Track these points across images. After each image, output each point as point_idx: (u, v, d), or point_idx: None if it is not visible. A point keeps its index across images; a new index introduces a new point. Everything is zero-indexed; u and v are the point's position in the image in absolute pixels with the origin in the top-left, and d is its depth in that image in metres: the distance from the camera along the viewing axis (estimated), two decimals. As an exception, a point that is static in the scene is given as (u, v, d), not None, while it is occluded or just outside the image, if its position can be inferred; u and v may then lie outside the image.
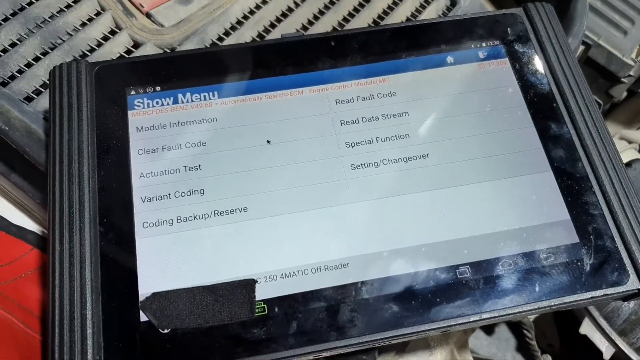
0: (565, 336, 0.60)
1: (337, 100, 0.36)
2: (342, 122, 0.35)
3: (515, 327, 0.60)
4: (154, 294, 0.29)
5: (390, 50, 0.37)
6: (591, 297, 0.31)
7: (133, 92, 0.34)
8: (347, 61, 0.37)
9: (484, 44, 0.38)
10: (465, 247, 0.32)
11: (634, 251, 0.32)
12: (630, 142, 0.75)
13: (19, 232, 0.39)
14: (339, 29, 0.45)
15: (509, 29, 0.39)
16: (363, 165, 0.34)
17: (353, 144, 0.35)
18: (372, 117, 0.35)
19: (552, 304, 0.31)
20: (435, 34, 0.38)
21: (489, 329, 0.62)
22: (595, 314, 0.52)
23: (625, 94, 0.79)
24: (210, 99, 0.35)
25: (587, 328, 0.52)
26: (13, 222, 0.40)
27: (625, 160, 0.56)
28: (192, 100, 0.35)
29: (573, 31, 0.45)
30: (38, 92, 0.39)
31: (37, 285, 0.37)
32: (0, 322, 0.32)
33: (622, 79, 0.62)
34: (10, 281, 0.36)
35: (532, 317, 0.58)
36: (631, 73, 0.62)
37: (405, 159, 0.34)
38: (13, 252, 0.38)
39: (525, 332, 0.53)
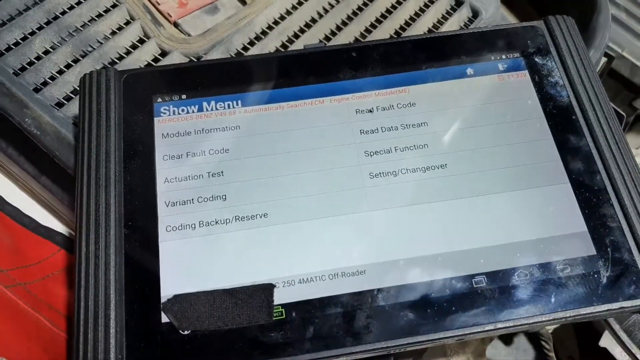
0: (586, 348, 0.60)
1: (358, 110, 0.36)
2: (362, 131, 0.36)
3: (534, 337, 0.59)
4: (176, 296, 0.30)
5: (410, 61, 0.38)
6: (607, 310, 0.31)
7: (159, 100, 0.36)
8: (367, 72, 0.37)
9: (504, 56, 0.39)
10: (481, 257, 0.32)
11: (652, 265, 0.32)
12: (654, 155, 0.74)
13: (47, 233, 0.41)
14: (361, 39, 0.46)
15: (529, 41, 0.39)
16: (382, 174, 0.35)
17: (372, 153, 0.35)
18: (392, 127, 0.36)
19: (568, 315, 0.31)
20: (455, 46, 0.38)
21: (507, 339, 0.62)
22: (616, 327, 0.51)
23: (650, 106, 0.78)
24: (234, 107, 0.36)
25: (607, 341, 0.52)
26: (42, 223, 0.41)
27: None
28: (217, 109, 0.36)
29: (595, 44, 0.46)
30: (68, 98, 0.40)
31: (64, 285, 0.38)
32: (30, 320, 0.33)
33: (647, 92, 0.62)
34: (38, 280, 0.37)
35: (550, 329, 0.58)
36: (656, 85, 0.61)
37: (423, 169, 0.35)
38: (41, 252, 0.39)
39: (543, 343, 0.53)
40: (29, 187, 0.42)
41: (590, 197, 0.34)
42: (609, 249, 0.33)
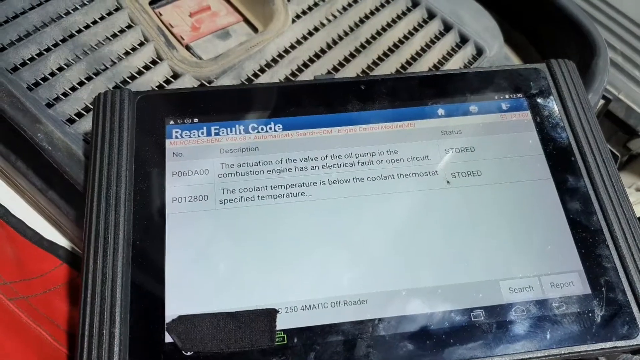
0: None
1: (365, 141, 0.37)
2: (366, 162, 0.37)
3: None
4: (180, 317, 0.31)
5: (416, 96, 0.39)
6: (600, 349, 0.32)
7: (172, 122, 0.36)
8: (375, 104, 0.38)
9: (507, 96, 0.40)
10: (480, 291, 0.33)
11: (645, 306, 0.33)
12: (646, 194, 0.76)
13: (50, 246, 0.41)
14: (368, 72, 0.47)
15: (532, 83, 0.40)
16: (384, 203, 0.35)
17: (374, 178, 0.36)
18: (396, 159, 0.37)
19: (562, 352, 0.31)
20: (460, 84, 0.40)
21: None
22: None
23: (642, 146, 0.80)
24: (244, 132, 0.37)
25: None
26: (45, 237, 0.41)
27: (640, 212, 0.56)
28: (227, 134, 0.36)
29: (594, 87, 0.47)
30: (80, 115, 0.41)
31: (65, 300, 0.38)
32: (31, 334, 0.34)
33: (640, 133, 0.64)
34: (40, 294, 0.37)
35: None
36: (649, 128, 0.63)
37: (424, 200, 0.36)
38: (44, 265, 0.40)
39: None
40: (34, 200, 0.42)
41: (587, 237, 0.35)
42: (603, 289, 0.33)
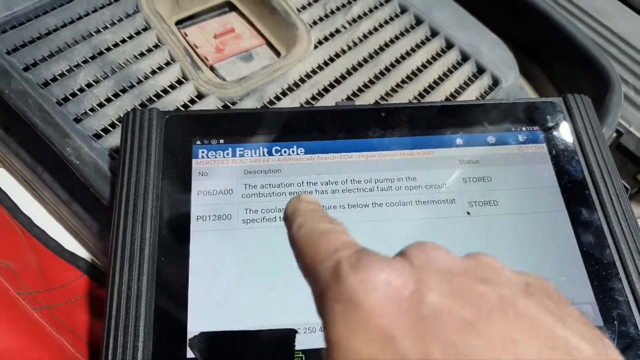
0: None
1: (384, 167, 0.38)
2: (385, 187, 0.38)
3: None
4: (202, 333, 0.31)
5: (436, 125, 0.40)
6: (612, 382, 0.32)
7: (198, 142, 0.38)
8: (395, 132, 0.40)
9: (523, 128, 0.41)
10: (494, 320, 0.33)
11: (656, 341, 0.33)
12: (654, 226, 0.76)
13: (72, 257, 0.42)
14: (387, 98, 0.48)
15: (548, 116, 0.41)
16: (401, 229, 0.36)
17: (392, 204, 0.37)
18: (415, 186, 0.38)
19: (574, 384, 0.32)
20: (479, 115, 0.41)
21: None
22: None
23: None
24: (267, 155, 0.38)
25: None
26: (66, 248, 0.42)
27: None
28: (251, 155, 0.38)
29: (607, 121, 0.48)
30: (106, 130, 0.42)
31: (85, 311, 0.39)
32: (55, 344, 0.34)
33: (651, 166, 0.64)
34: (62, 304, 0.38)
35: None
36: (659, 161, 0.64)
37: (441, 228, 0.37)
38: (65, 276, 0.40)
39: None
40: (58, 212, 0.43)
41: (600, 270, 0.36)
42: (615, 322, 0.34)
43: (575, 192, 0.38)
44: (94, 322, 0.38)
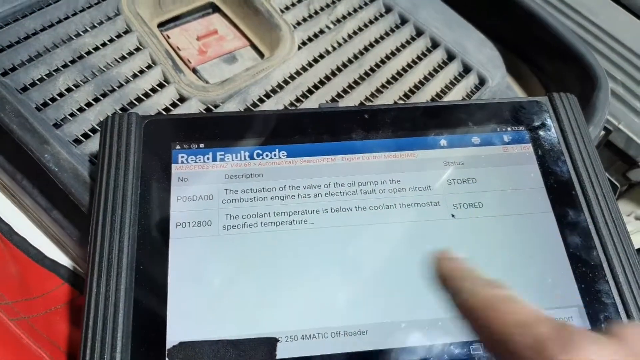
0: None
1: (367, 169, 0.38)
2: (368, 190, 0.37)
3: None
4: (181, 343, 0.31)
5: (419, 127, 0.40)
6: (598, 385, 0.32)
7: (178, 147, 0.37)
8: (378, 134, 0.39)
9: (509, 128, 0.40)
10: (479, 324, 0.33)
11: (644, 344, 0.33)
12: (645, 222, 0.76)
13: (53, 265, 0.41)
14: (372, 99, 0.47)
15: (533, 116, 0.41)
16: (385, 233, 0.36)
17: (376, 207, 0.36)
18: (399, 189, 0.37)
19: (560, 388, 0.32)
20: (463, 115, 0.40)
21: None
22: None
23: (641, 175, 0.81)
24: (248, 158, 0.37)
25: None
26: (48, 256, 0.42)
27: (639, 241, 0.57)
28: (232, 159, 0.37)
29: (595, 120, 0.48)
30: (86, 136, 0.41)
31: (65, 320, 0.38)
32: (31, 355, 0.34)
33: (640, 163, 0.64)
34: (41, 314, 0.37)
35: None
36: (649, 158, 0.63)
37: (426, 231, 0.36)
38: (46, 284, 0.40)
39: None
40: (38, 219, 0.43)
41: (587, 272, 0.35)
42: (602, 325, 0.34)
43: (561, 193, 0.38)
44: (74, 331, 0.38)
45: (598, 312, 0.34)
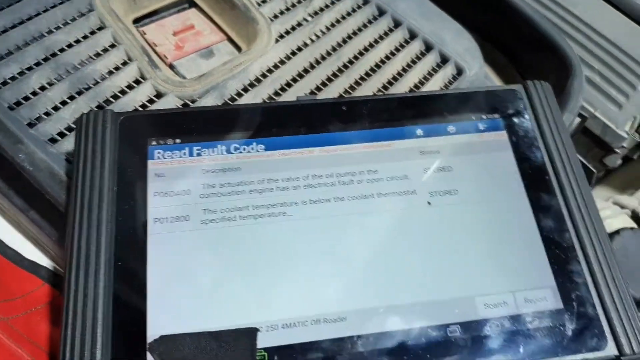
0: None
1: (345, 161, 0.38)
2: (346, 181, 0.37)
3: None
4: (162, 337, 0.31)
5: (396, 117, 0.40)
6: (571, 361, 0.33)
7: (154, 143, 0.37)
8: (356, 125, 0.39)
9: (484, 117, 0.41)
10: (456, 307, 0.34)
11: (613, 319, 0.34)
12: (622, 207, 0.77)
13: (32, 266, 0.41)
14: (350, 91, 0.48)
15: (508, 104, 0.42)
16: (363, 222, 0.36)
17: (354, 198, 0.37)
18: (376, 179, 0.38)
19: (535, 365, 0.32)
20: (439, 105, 0.41)
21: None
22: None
23: (619, 161, 0.82)
24: (226, 153, 0.37)
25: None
26: (26, 257, 0.41)
27: (617, 224, 0.58)
28: (209, 154, 0.37)
29: (569, 107, 0.48)
30: (62, 135, 0.41)
31: (46, 320, 0.38)
32: (11, 355, 0.34)
33: (616, 150, 0.65)
34: (21, 315, 0.37)
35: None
36: (624, 144, 0.64)
37: (403, 219, 0.37)
38: (25, 286, 0.40)
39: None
40: (16, 220, 0.42)
41: (560, 254, 0.36)
42: (575, 304, 0.34)
43: (535, 178, 0.39)
44: (56, 331, 0.38)
45: (570, 291, 0.35)
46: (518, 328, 0.33)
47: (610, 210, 0.73)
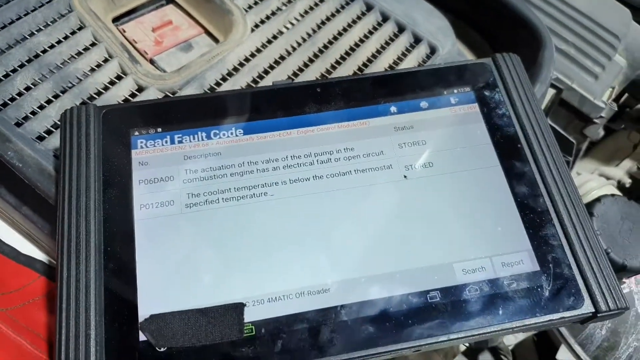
0: (546, 364, 0.63)
1: (322, 140, 0.39)
2: (324, 160, 0.39)
3: (496, 353, 0.62)
4: (152, 316, 0.32)
5: (370, 96, 0.41)
6: (549, 320, 0.34)
7: (137, 133, 0.38)
8: (331, 106, 0.41)
9: (455, 91, 0.42)
10: (435, 274, 0.35)
11: (589, 278, 0.35)
12: (608, 178, 0.79)
13: (28, 261, 0.42)
14: (327, 75, 0.49)
15: (479, 77, 0.43)
16: (342, 198, 0.37)
17: (332, 175, 0.38)
18: (353, 156, 0.39)
19: (514, 326, 0.34)
20: (411, 82, 0.42)
21: (473, 357, 0.64)
22: (571, 340, 0.54)
23: (602, 132, 0.84)
24: (206, 139, 0.38)
25: (563, 354, 0.55)
26: (22, 252, 0.43)
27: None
28: (190, 141, 0.38)
29: (541, 78, 0.50)
30: (49, 132, 0.42)
31: (44, 310, 0.39)
32: (11, 343, 0.35)
33: (595, 120, 0.67)
34: (19, 306, 0.39)
35: (511, 345, 0.61)
36: (602, 114, 0.66)
37: (381, 193, 0.38)
38: (22, 279, 0.41)
39: (503, 357, 0.56)
40: (9, 217, 0.44)
41: (534, 218, 0.37)
42: (551, 265, 0.36)
43: (507, 147, 0.40)
44: (53, 320, 0.39)
45: (546, 253, 0.36)
46: (496, 291, 0.35)
47: (596, 181, 0.75)
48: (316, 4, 0.54)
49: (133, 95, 0.46)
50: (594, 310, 0.35)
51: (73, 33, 0.48)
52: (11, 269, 0.41)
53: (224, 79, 0.47)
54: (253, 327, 0.33)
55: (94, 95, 0.45)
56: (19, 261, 0.42)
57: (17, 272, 0.41)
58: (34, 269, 0.42)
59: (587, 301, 0.35)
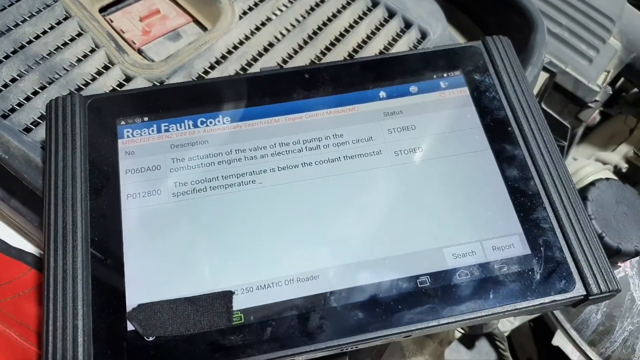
0: (542, 348, 0.63)
1: (311, 127, 0.39)
2: (313, 147, 0.38)
3: (492, 339, 0.62)
4: (140, 305, 0.32)
5: (358, 81, 0.41)
6: (540, 304, 0.34)
7: (122, 122, 0.38)
8: (319, 92, 0.40)
9: (445, 75, 0.42)
10: (425, 259, 0.35)
11: (580, 261, 0.35)
12: (604, 163, 0.79)
13: (18, 253, 0.42)
14: (316, 62, 0.48)
15: (468, 60, 0.42)
16: (332, 185, 0.37)
17: (321, 162, 0.38)
18: (342, 142, 0.39)
19: (506, 310, 0.33)
20: (400, 66, 0.42)
21: (469, 343, 0.64)
22: (567, 325, 0.54)
23: (599, 117, 0.83)
24: (193, 127, 0.38)
25: (559, 339, 0.55)
26: (12, 245, 0.42)
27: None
28: (177, 129, 0.38)
29: (532, 60, 0.49)
30: (36, 124, 0.42)
31: (34, 303, 0.39)
32: (1, 336, 0.35)
33: (589, 104, 0.66)
34: (9, 299, 0.38)
35: (507, 331, 0.61)
36: (597, 98, 0.65)
37: (371, 179, 0.37)
38: (12, 272, 0.41)
39: (498, 343, 0.56)
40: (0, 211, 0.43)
41: (525, 202, 0.37)
42: (542, 248, 0.36)
43: (498, 130, 0.40)
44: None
45: (537, 237, 0.36)
46: (487, 275, 0.35)
47: (592, 167, 0.75)
48: (305, -10, 0.53)
49: (121, 85, 0.45)
50: (585, 292, 0.35)
51: (59, 23, 0.47)
52: (1, 262, 0.41)
53: (212, 67, 0.47)
54: (242, 314, 0.32)
55: (81, 86, 0.44)
56: (10, 254, 0.42)
57: (7, 265, 0.41)
58: (25, 262, 0.42)
59: (579, 284, 0.35)
